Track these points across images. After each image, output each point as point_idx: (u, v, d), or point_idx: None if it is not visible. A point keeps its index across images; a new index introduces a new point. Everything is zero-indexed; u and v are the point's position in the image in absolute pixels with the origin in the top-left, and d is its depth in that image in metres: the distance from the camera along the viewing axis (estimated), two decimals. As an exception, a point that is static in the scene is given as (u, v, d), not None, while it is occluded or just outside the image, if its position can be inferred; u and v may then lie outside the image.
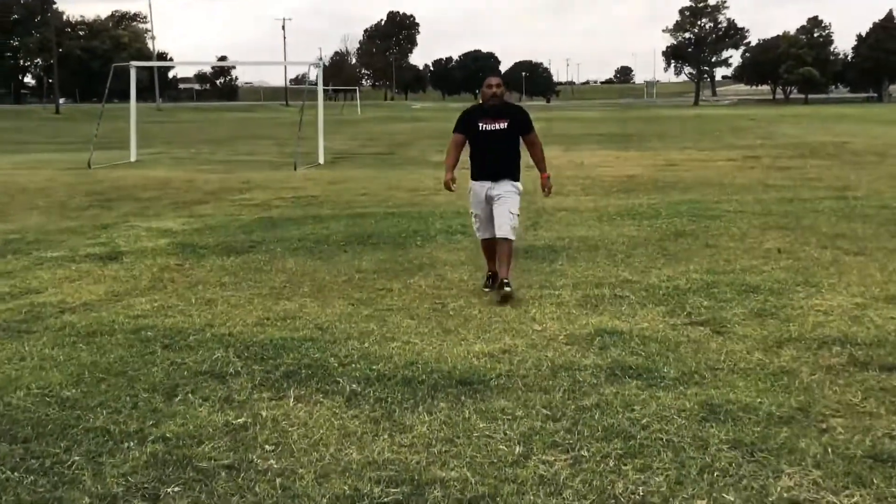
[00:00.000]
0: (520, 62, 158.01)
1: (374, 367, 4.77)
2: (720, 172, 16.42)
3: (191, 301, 6.40)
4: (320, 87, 22.50)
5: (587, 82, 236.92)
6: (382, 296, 6.61)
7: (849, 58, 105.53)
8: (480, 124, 6.45)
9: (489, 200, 6.52)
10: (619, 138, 29.87)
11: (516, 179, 6.60)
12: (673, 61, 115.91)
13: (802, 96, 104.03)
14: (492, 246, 6.64)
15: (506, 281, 6.38)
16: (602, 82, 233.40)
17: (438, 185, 14.15)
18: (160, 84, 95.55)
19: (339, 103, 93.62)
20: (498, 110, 6.48)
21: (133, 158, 21.62)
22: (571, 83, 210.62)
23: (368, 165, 19.60)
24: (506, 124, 6.44)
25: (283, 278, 7.21)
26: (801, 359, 4.84)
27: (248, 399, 4.30)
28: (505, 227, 6.45)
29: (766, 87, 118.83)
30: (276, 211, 11.33)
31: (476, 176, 6.61)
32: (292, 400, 4.28)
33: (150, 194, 13.58)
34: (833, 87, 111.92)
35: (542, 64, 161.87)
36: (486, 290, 6.65)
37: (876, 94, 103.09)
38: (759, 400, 4.18)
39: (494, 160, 6.52)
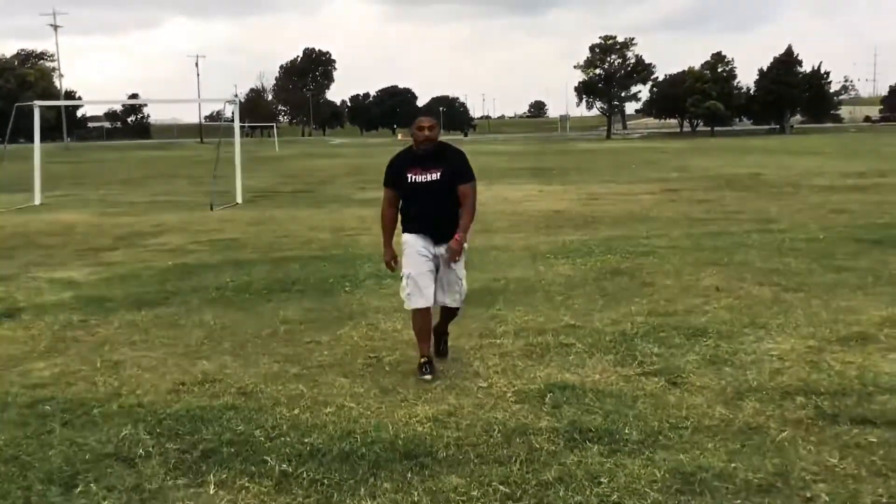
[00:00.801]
0: (437, 97, 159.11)
1: (306, 439, 4.27)
2: (643, 206, 16.43)
3: (96, 365, 5.76)
4: (237, 124, 21.86)
5: (502, 116, 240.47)
6: (311, 350, 6.10)
7: (751, 91, 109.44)
8: (409, 175, 5.38)
9: (433, 258, 5.45)
10: (540, 172, 29.95)
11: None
12: (585, 96, 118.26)
13: (708, 129, 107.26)
14: (426, 319, 5.49)
15: (446, 338, 5.86)
16: (518, 116, 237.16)
17: (364, 225, 13.73)
18: (68, 123, 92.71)
19: (255, 139, 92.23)
20: (430, 155, 5.40)
21: (37, 201, 20.49)
22: (488, 117, 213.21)
23: (289, 204, 19.00)
24: (438, 174, 5.34)
25: (201, 334, 6.63)
26: (765, 412, 4.54)
27: (161, 487, 3.74)
28: (455, 295, 5.52)
29: (673, 121, 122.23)
30: (192, 256, 10.68)
31: (412, 229, 5.51)
32: (213, 486, 3.74)
33: (55, 241, 12.72)
34: (737, 119, 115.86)
35: (458, 98, 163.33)
36: (426, 377, 5.30)
37: (778, 126, 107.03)
38: (732, 465, 3.83)
39: (428, 216, 5.41)
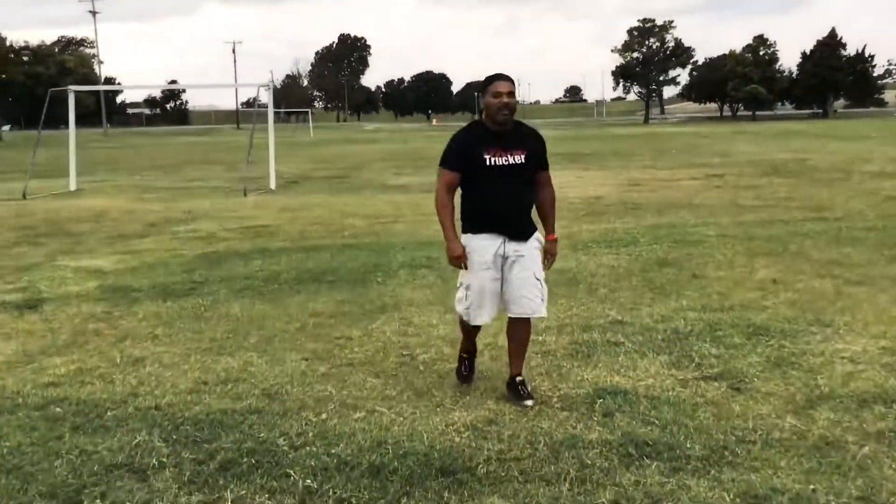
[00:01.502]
0: (471, 82, 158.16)
1: (333, 450, 3.89)
2: (687, 192, 15.84)
3: (115, 361, 5.45)
4: (270, 110, 21.57)
5: (537, 101, 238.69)
6: (341, 347, 5.73)
7: (794, 75, 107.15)
8: (487, 157, 4.31)
9: (500, 264, 4.44)
10: (578, 157, 29.33)
11: (535, 231, 4.59)
12: (622, 80, 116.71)
13: (749, 113, 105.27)
14: (477, 329, 4.77)
15: (520, 380, 4.56)
16: (554, 101, 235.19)
17: (398, 212, 13.36)
18: (107, 109, 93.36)
19: (291, 125, 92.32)
20: (512, 135, 4.41)
21: (73, 187, 20.41)
22: (522, 102, 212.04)
23: (322, 190, 18.69)
24: (523, 156, 4.37)
25: (227, 327, 6.30)
26: (842, 423, 4.08)
27: (174, 504, 3.40)
28: (533, 301, 4.46)
29: (713, 105, 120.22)
30: (222, 244, 10.38)
31: (479, 227, 4.45)
32: (230, 504, 3.39)
33: (85, 227, 12.51)
34: (779, 103, 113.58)
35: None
36: (463, 380, 4.84)
37: (821, 110, 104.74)
38: (810, 486, 3.39)
39: (510, 208, 4.40)
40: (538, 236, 4.55)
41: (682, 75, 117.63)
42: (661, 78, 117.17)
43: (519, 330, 4.61)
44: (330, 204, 15.20)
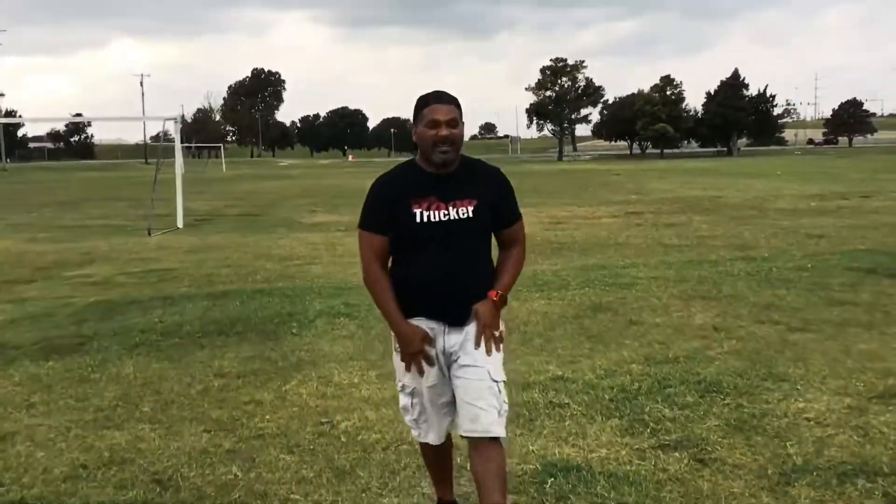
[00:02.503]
0: (388, 119, 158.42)
1: (237, 558, 3.20)
2: (610, 231, 15.61)
3: (-23, 440, 4.61)
4: (177, 143, 20.61)
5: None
6: (250, 414, 5.02)
7: (699, 114, 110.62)
8: (418, 210, 3.08)
9: (443, 360, 3.21)
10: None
11: None
12: (536, 118, 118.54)
13: (657, 151, 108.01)
14: (444, 452, 3.48)
15: None
16: (469, 138, 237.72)
17: (313, 253, 12.63)
18: (8, 143, 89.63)
19: (202, 160, 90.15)
20: (458, 178, 3.15)
21: (-41, 226, 18.99)
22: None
23: (234, 229, 17.79)
24: (470, 208, 3.11)
25: (117, 392, 5.50)
26: (825, 502, 3.59)
27: None
28: (489, 415, 3.10)
29: (623, 143, 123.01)
30: (118, 291, 9.48)
31: (409, 308, 3.18)
32: None
33: (-33, 271, 11.39)
34: (686, 141, 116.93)
35: (409, 120, 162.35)
36: None
37: (725, 148, 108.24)
38: (810, 592, 2.87)
39: (450, 283, 3.13)
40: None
41: (594, 114, 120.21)
42: (574, 116, 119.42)
43: (480, 455, 3.09)
44: (241, 244, 14.36)
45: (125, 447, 4.47)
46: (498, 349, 3.19)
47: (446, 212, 3.09)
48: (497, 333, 3.20)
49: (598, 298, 8.40)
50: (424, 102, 3.13)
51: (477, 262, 3.20)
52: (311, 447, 4.45)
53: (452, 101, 3.13)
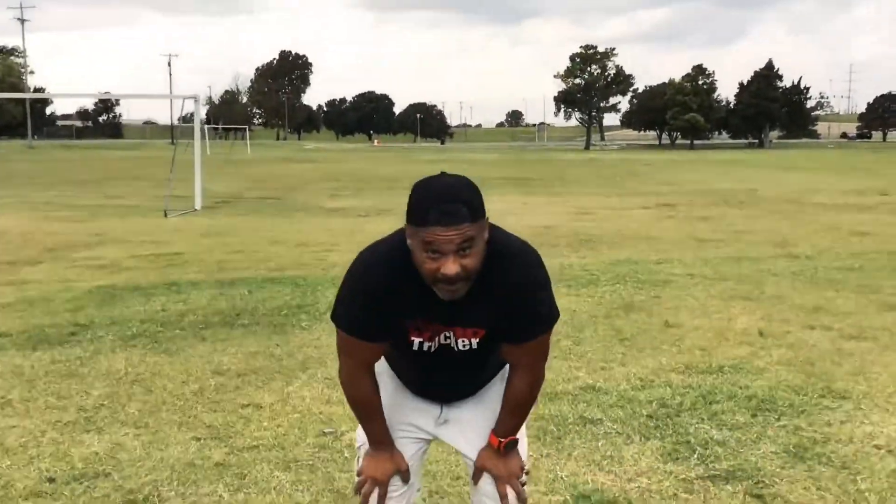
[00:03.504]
0: (414, 104, 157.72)
1: None
2: (641, 223, 14.97)
3: (-61, 444, 4.13)
4: (197, 121, 20.16)
5: (479, 125, 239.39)
6: (247, 420, 4.51)
7: (731, 105, 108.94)
8: (416, 338, 2.22)
9: (432, 429, 2.45)
10: (522, 182, 28.49)
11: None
12: (563, 106, 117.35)
13: (687, 142, 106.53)
14: None
15: None
16: (496, 125, 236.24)
17: (332, 239, 12.13)
18: (36, 121, 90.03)
19: (228, 142, 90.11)
20: (468, 300, 2.11)
21: (-24, 202, 18.69)
22: (465, 125, 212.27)
23: (252, 212, 17.34)
24: (477, 337, 2.21)
25: (104, 390, 5.01)
26: (912, 557, 3.02)
27: None
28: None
29: (652, 133, 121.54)
30: (123, 275, 9.02)
31: (401, 379, 2.47)
32: None
33: (-27, 250, 10.99)
34: (716, 133, 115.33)
35: (435, 106, 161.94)
36: None
37: (757, 140, 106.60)
38: None
39: (446, 386, 2.40)
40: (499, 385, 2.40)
41: (623, 102, 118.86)
42: (602, 104, 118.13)
43: None
44: (257, 228, 13.89)
45: (102, 457, 3.97)
46: (524, 498, 2.35)
47: (450, 340, 2.21)
48: (522, 478, 2.35)
49: (631, 297, 7.82)
50: (421, 211, 1.96)
51: (483, 371, 2.38)
52: (311, 462, 3.93)
53: (464, 215, 1.95)
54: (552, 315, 2.20)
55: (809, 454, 3.94)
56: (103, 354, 5.77)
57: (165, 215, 15.95)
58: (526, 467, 2.37)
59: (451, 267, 1.96)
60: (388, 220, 14.89)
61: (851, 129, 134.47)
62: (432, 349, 2.22)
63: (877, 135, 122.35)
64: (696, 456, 3.93)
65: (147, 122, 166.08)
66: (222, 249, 11.06)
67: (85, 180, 29.54)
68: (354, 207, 17.96)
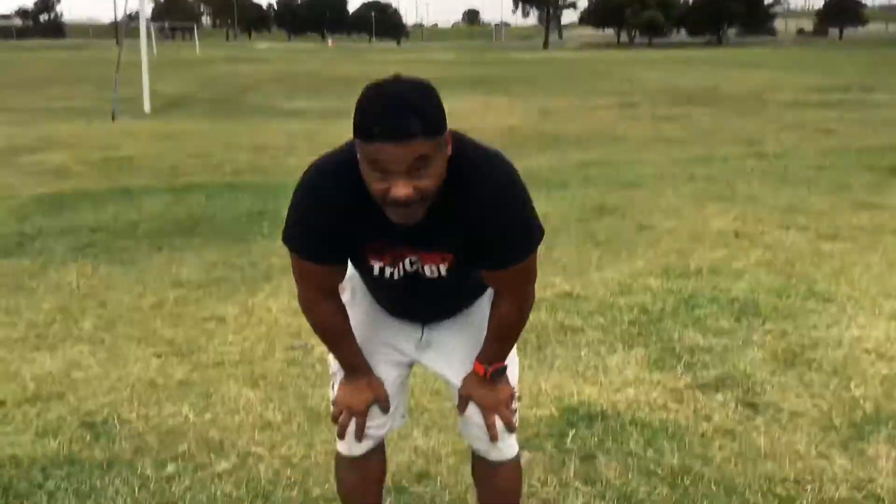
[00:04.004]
0: (368, 3, 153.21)
1: (178, 544, 2.49)
2: (605, 123, 14.71)
3: None
4: (143, 18, 19.20)
5: (435, 25, 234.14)
6: (210, 334, 4.27)
7: (689, 2, 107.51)
8: (375, 262, 1.95)
9: (412, 352, 2.18)
10: (482, 82, 27.85)
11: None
12: (521, 3, 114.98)
13: (646, 40, 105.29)
14: (371, 470, 2.27)
15: None
16: (451, 25, 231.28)
17: (290, 142, 11.69)
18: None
19: (176, 42, 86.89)
20: (431, 222, 1.78)
21: (-89, 107, 17.74)
22: (421, 25, 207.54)
23: (205, 115, 16.69)
24: (444, 266, 1.92)
25: (55, 304, 4.71)
26: (913, 467, 2.92)
27: None
28: (496, 449, 2.15)
29: (611, 31, 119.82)
30: (71, 181, 8.57)
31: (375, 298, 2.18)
32: None
33: None
34: (675, 30, 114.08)
35: (390, 5, 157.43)
36: None
37: (716, 38, 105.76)
38: None
39: (423, 310, 2.13)
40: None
41: (581, 0, 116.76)
42: (561, 2, 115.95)
43: (486, 471, 2.24)
44: (211, 131, 13.36)
45: (56, 376, 3.71)
46: (513, 427, 2.14)
47: (413, 263, 1.93)
48: (513, 406, 2.14)
49: (602, 199, 7.62)
50: (365, 128, 1.66)
51: (461, 294, 2.12)
52: (280, 379, 3.72)
53: (416, 129, 1.62)
54: (534, 235, 1.87)
55: (799, 360, 3.83)
56: (53, 266, 5.44)
57: (113, 118, 15.28)
58: (517, 394, 2.16)
59: (400, 189, 1.66)
60: (348, 122, 14.38)
61: (808, 25, 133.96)
62: (395, 276, 1.95)
63: (833, 31, 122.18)
64: (682, 364, 3.79)
65: (90, 21, 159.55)
66: (176, 154, 10.60)
67: (26, 82, 28.25)
68: (312, 109, 17.40)
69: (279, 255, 5.69)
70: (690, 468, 2.89)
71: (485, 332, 2.06)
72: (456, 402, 2.16)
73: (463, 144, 1.80)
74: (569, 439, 3.09)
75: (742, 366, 3.76)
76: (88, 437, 3.13)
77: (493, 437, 2.10)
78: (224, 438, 3.14)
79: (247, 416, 3.34)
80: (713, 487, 2.78)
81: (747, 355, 3.89)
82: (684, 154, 10.53)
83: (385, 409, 2.13)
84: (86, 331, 4.32)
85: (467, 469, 2.85)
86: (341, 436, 2.14)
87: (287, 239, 1.93)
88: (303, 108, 17.89)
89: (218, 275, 5.28)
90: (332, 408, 2.17)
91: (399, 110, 1.62)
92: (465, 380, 2.10)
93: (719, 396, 3.46)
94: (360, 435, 2.13)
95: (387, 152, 1.63)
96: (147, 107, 17.06)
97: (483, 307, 2.11)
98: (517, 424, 2.15)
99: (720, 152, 10.62)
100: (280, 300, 4.78)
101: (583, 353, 3.94)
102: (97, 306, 4.69)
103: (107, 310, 4.64)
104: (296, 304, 4.21)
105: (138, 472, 2.88)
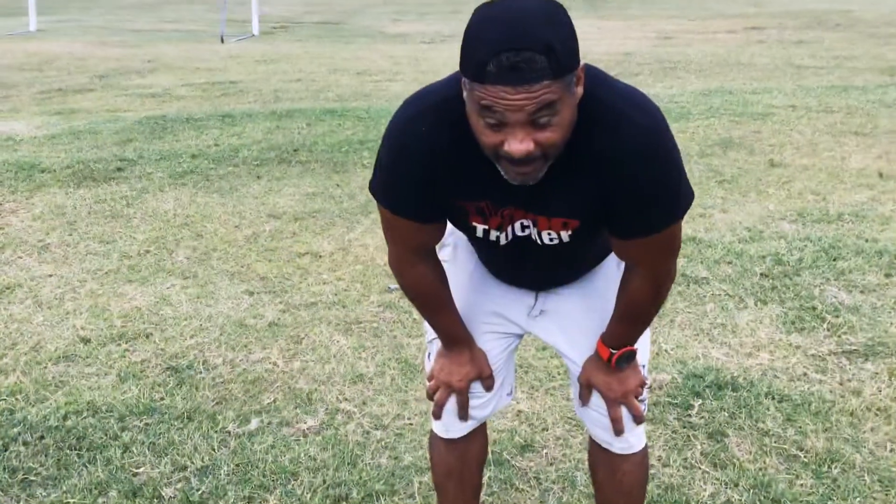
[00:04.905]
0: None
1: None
2: (729, 48, 13.74)
3: (-35, 295, 3.77)
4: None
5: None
6: (304, 272, 4.05)
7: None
8: (478, 224, 1.57)
9: (523, 322, 1.83)
10: (593, 4, 26.67)
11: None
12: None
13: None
14: (469, 455, 1.94)
15: None
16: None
17: (394, 67, 11.35)
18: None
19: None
20: (550, 182, 1.43)
21: (32, 27, 18.15)
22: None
23: (312, 37, 16.48)
24: (567, 233, 1.54)
25: (150, 234, 4.58)
26: None
27: None
28: (622, 439, 1.79)
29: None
30: (176, 105, 8.49)
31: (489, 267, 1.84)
32: None
33: (23, 78, 10.54)
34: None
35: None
36: None
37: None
38: None
39: (537, 278, 1.78)
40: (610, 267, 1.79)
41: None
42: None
43: (607, 465, 1.88)
44: (317, 55, 13.11)
45: (144, 313, 3.56)
46: (642, 418, 1.79)
47: (525, 227, 1.57)
48: (643, 395, 1.78)
49: (727, 132, 7.01)
50: (476, 65, 1.27)
51: (584, 259, 1.76)
52: (375, 325, 3.46)
53: (542, 69, 1.25)
54: (683, 198, 1.49)
55: (966, 328, 3.31)
56: (151, 193, 5.32)
57: (222, 41, 15.24)
58: (647, 382, 1.80)
59: (518, 144, 1.30)
60: (454, 46, 13.96)
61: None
62: (502, 241, 1.59)
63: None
64: (825, 326, 3.33)
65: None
66: (279, 78, 10.40)
67: (142, 2, 28.69)
68: (418, 32, 16.95)
69: (379, 187, 5.42)
70: (839, 453, 2.48)
71: (610, 301, 1.70)
72: (573, 380, 1.82)
73: (598, 82, 1.42)
74: (694, 412, 2.72)
75: (895, 330, 3.28)
76: (171, 384, 2.95)
77: (619, 432, 1.76)
78: (312, 391, 2.91)
79: (337, 366, 3.09)
80: (866, 478, 2.38)
81: (900, 319, 3.39)
82: (817, 83, 9.66)
83: (489, 386, 1.81)
84: (178, 263, 4.16)
85: (577, 441, 2.54)
86: (437, 416, 1.84)
87: (374, 189, 1.59)
88: (408, 31, 17.44)
89: (315, 207, 5.04)
90: (426, 382, 1.86)
91: (520, 42, 1.24)
92: (587, 364, 1.75)
93: (869, 366, 3.01)
94: (462, 415, 1.82)
95: (503, 98, 1.26)
96: (256, 29, 16.96)
97: (609, 270, 1.76)
98: (645, 416, 1.79)
99: (857, 81, 9.69)
100: (378, 237, 4.51)
101: (708, 309, 3.52)
102: (192, 237, 4.53)
103: (201, 241, 4.47)
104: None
105: (219, 426, 2.68)
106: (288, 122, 7.41)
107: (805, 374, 2.96)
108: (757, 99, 8.48)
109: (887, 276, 3.83)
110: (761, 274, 3.88)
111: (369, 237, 4.51)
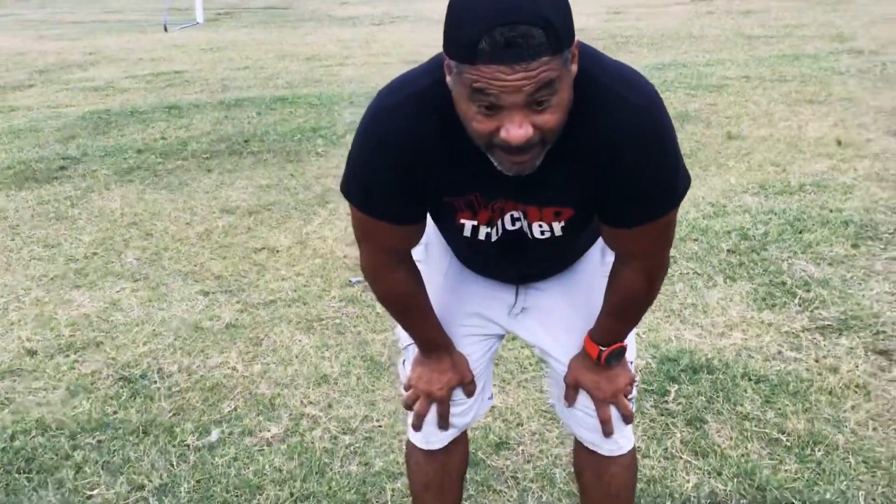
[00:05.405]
0: None
1: (220, 534, 2.14)
2: (680, 20, 13.74)
3: None
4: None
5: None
6: (261, 268, 3.90)
7: None
8: (465, 222, 1.44)
9: (504, 322, 1.73)
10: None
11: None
12: None
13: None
14: (449, 463, 1.82)
15: None
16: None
17: (345, 51, 11.14)
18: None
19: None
20: (538, 182, 1.35)
21: (-33, 23, 17.55)
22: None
23: (258, 23, 16.14)
24: (559, 224, 1.43)
25: (97, 235, 4.38)
26: None
27: None
28: (609, 441, 1.70)
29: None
30: (119, 98, 8.20)
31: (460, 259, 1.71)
32: None
33: (-41, 76, 10.15)
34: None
35: None
36: None
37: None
38: None
39: (523, 269, 1.66)
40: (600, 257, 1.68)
41: None
42: None
43: (594, 468, 1.77)
44: (263, 41, 12.83)
45: (93, 320, 3.39)
46: (631, 417, 1.70)
47: (516, 220, 1.45)
48: (632, 393, 1.69)
49: (683, 105, 6.96)
50: (466, 45, 1.13)
51: (572, 251, 1.64)
52: (337, 321, 3.33)
53: (541, 44, 1.11)
54: (679, 184, 1.38)
55: (934, 296, 3.29)
56: (96, 192, 5.11)
57: (165, 29, 14.85)
58: (637, 379, 1.71)
59: (516, 131, 1.17)
60: (404, 28, 13.77)
61: None
62: (493, 238, 1.47)
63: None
64: (796, 301, 3.28)
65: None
66: (226, 66, 10.14)
67: (81, -5, 27.89)
68: (367, 15, 16.69)
69: (334, 176, 5.28)
70: (821, 435, 2.43)
71: (596, 294, 1.59)
72: (557, 381, 1.71)
73: (591, 60, 1.29)
74: (671, 398, 2.64)
75: (867, 302, 3.24)
76: (124, 396, 2.80)
77: (609, 433, 1.66)
78: (275, 396, 2.78)
79: (300, 368, 2.97)
80: (851, 460, 2.32)
81: (871, 289, 3.36)
82: (769, 52, 9.67)
83: (470, 392, 1.70)
84: (128, 265, 3.99)
85: (553, 435, 2.45)
86: (417, 427, 1.72)
87: (348, 191, 1.44)
88: (356, 14, 17.18)
89: (270, 199, 4.88)
90: (402, 392, 1.75)
91: (515, 15, 1.10)
92: (573, 363, 1.65)
93: (844, 341, 2.96)
94: (443, 424, 1.71)
95: (498, 79, 1.13)
96: (200, 16, 16.56)
97: (593, 263, 1.65)
98: (634, 415, 1.70)
99: (808, 49, 9.72)
100: (336, 228, 4.38)
101: (677, 289, 3.45)
102: (141, 237, 4.35)
103: (151, 241, 4.29)
104: (350, 229, 3.73)
105: (178, 439, 2.54)
106: (237, 112, 7.20)
107: (780, 353, 2.91)
108: (711, 71, 8.46)
109: (854, 246, 3.80)
110: (728, 250, 3.83)
111: (327, 229, 4.37)
